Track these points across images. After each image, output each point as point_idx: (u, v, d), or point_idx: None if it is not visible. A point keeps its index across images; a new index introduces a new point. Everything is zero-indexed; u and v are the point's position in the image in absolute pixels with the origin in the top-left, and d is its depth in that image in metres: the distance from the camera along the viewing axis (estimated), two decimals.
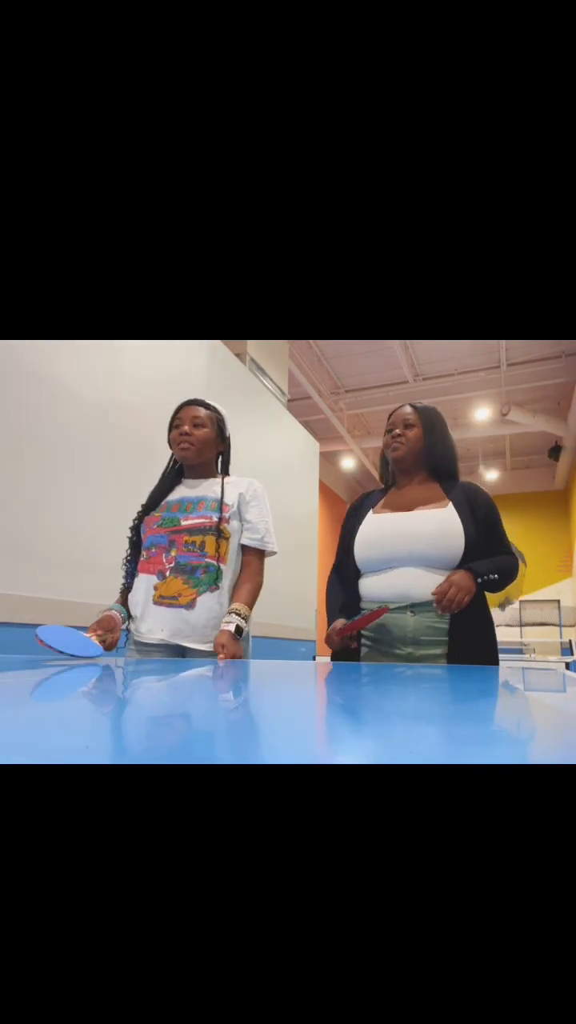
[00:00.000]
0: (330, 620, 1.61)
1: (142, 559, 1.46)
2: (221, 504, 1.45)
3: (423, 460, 1.53)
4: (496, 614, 1.67)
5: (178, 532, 1.43)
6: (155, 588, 1.42)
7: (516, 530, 1.56)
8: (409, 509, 1.47)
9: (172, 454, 1.55)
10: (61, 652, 1.11)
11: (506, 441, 9.14)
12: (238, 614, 1.39)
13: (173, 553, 1.41)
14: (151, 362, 2.68)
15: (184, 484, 1.54)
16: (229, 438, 1.60)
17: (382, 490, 1.62)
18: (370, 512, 1.53)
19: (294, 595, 4.10)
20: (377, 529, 1.47)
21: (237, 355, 3.72)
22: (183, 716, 0.53)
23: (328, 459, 9.12)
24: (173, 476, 1.56)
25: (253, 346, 4.11)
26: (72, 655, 1.12)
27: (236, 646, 1.33)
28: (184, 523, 1.43)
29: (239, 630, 1.36)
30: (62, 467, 2.06)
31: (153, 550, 1.44)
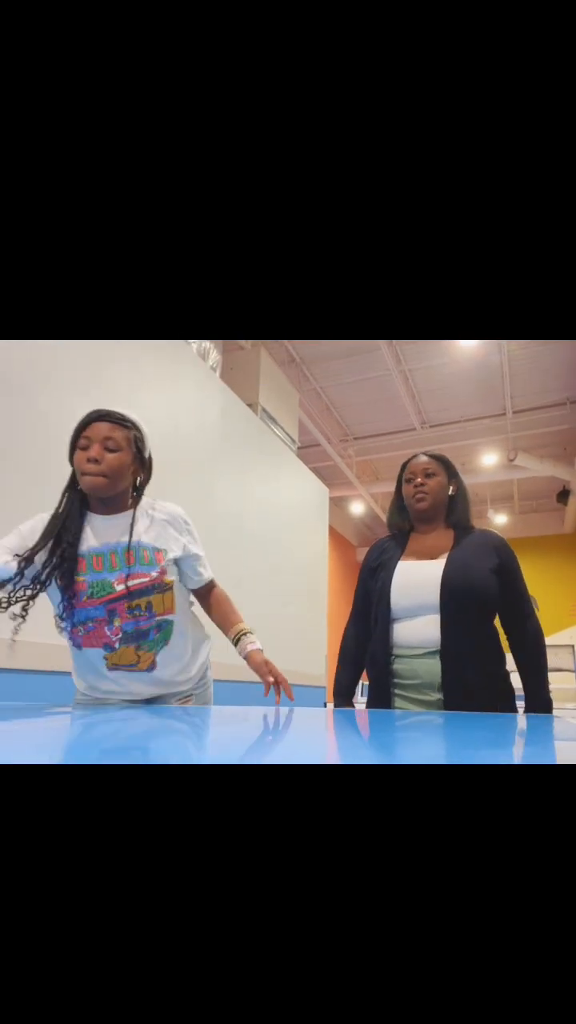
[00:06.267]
0: (337, 698, 1.60)
1: (78, 633, 1.21)
2: (154, 552, 1.22)
3: (447, 508, 1.53)
4: (508, 659, 1.70)
5: (116, 600, 1.19)
6: (105, 659, 1.22)
7: (527, 574, 1.59)
8: (434, 557, 1.47)
9: (71, 476, 1.23)
10: None
11: (514, 485, 9.19)
12: (251, 632, 1.31)
13: (117, 624, 1.19)
14: (166, 411, 2.80)
15: (95, 524, 1.23)
16: (151, 459, 1.30)
17: (403, 535, 1.59)
18: (400, 561, 1.51)
19: (304, 640, 4.10)
20: (406, 576, 1.47)
21: (249, 405, 3.85)
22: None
23: (337, 504, 9.19)
24: (80, 509, 1.23)
25: (264, 396, 4.24)
26: None
27: (276, 669, 1.27)
28: (118, 586, 1.18)
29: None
30: None
31: (90, 624, 1.20)
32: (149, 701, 1.28)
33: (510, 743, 0.73)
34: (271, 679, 1.22)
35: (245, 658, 1.29)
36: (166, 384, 2.85)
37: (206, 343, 3.63)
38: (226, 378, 3.82)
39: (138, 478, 1.28)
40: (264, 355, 4.48)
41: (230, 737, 0.77)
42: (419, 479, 1.53)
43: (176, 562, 1.27)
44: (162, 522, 1.27)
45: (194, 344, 3.49)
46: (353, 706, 1.60)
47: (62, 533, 1.18)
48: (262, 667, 1.24)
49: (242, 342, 4.65)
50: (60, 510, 1.21)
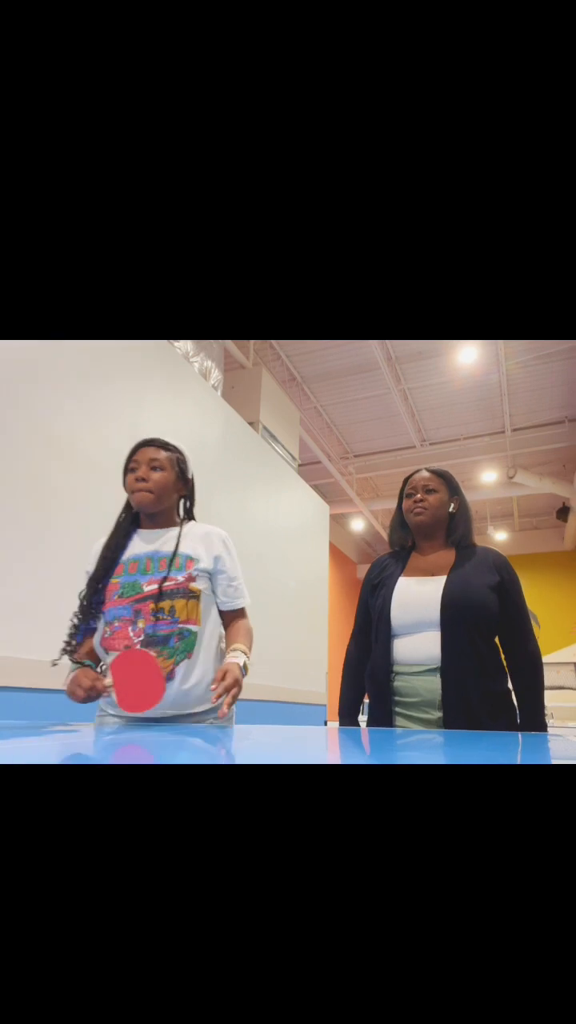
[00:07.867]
0: (341, 717, 1.59)
1: (104, 634, 1.29)
2: (185, 559, 1.32)
3: (447, 524, 1.52)
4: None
5: (142, 600, 1.27)
6: None
7: (527, 591, 1.59)
8: (434, 575, 1.46)
9: (126, 501, 1.39)
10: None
11: (514, 503, 9.22)
12: (243, 651, 1.30)
13: (140, 624, 1.25)
14: (168, 429, 2.81)
15: (140, 537, 1.37)
16: (192, 480, 1.45)
17: (404, 552, 1.59)
18: (401, 578, 1.51)
19: (304, 657, 4.08)
20: (406, 593, 1.47)
21: (250, 423, 3.89)
22: None
23: (337, 521, 9.22)
24: (128, 527, 1.38)
25: (265, 414, 4.28)
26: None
27: (240, 678, 1.22)
28: (147, 588, 1.28)
29: (245, 667, 1.26)
30: (77, 533, 2.14)
31: (116, 624, 1.27)
32: (160, 722, 1.26)
33: (512, 760, 0.74)
34: (216, 687, 1.18)
35: None
36: (168, 402, 2.88)
37: (208, 362, 3.67)
38: (228, 396, 3.85)
39: (183, 498, 1.43)
40: (265, 374, 4.52)
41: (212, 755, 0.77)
42: (419, 494, 1.53)
43: (209, 576, 1.35)
44: (199, 536, 1.38)
45: (196, 363, 3.53)
46: (358, 724, 1.58)
47: (108, 546, 1.34)
48: (219, 673, 1.21)
49: (243, 360, 4.69)
50: (112, 531, 1.37)
